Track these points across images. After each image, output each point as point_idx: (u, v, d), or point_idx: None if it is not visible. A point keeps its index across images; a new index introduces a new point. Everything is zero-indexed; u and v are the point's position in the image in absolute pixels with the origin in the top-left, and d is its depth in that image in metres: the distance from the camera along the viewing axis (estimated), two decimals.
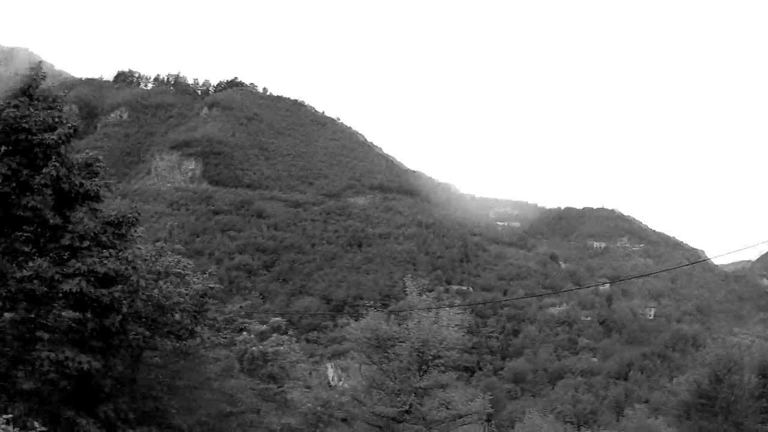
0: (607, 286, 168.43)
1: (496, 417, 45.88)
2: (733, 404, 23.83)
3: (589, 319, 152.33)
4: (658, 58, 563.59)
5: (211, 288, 15.80)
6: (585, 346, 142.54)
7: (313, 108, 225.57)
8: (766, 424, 21.97)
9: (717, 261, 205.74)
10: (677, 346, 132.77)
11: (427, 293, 21.12)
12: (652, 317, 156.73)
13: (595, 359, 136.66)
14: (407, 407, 18.81)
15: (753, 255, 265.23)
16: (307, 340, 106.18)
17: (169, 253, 15.91)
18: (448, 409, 19.48)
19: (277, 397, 22.15)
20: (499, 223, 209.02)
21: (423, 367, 19.45)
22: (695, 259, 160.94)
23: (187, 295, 14.34)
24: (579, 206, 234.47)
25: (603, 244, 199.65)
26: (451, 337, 19.42)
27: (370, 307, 20.37)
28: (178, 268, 15.52)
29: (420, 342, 19.00)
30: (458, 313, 21.39)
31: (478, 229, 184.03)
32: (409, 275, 23.27)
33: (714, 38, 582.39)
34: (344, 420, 21.11)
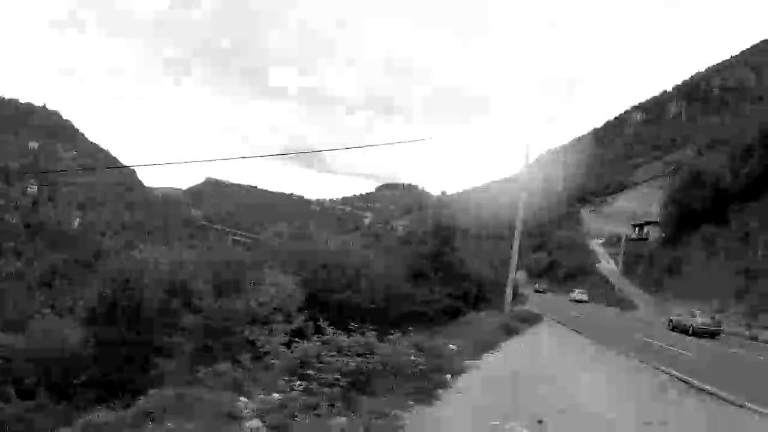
0: (35, 189, 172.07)
1: None
2: (135, 315, 24.93)
3: (15, 221, 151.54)
4: None
5: None
6: (10, 249, 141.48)
7: None
8: (172, 336, 22.55)
9: (149, 184, 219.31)
10: (100, 257, 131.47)
11: None
12: (76, 226, 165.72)
13: (19, 263, 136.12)
14: None
15: (183, 185, 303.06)
16: None
17: None
18: None
19: None
20: None
21: None
22: (128, 177, 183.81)
23: None
24: (23, 101, 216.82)
25: (38, 144, 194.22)
26: None
27: None
28: None
29: None
30: None
31: None
32: None
33: None
34: None
